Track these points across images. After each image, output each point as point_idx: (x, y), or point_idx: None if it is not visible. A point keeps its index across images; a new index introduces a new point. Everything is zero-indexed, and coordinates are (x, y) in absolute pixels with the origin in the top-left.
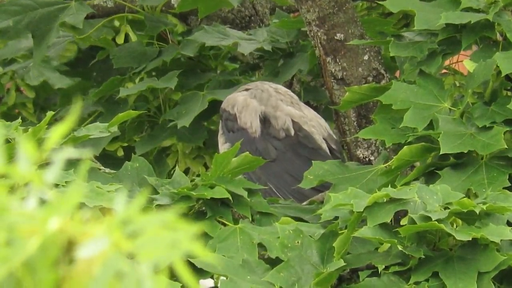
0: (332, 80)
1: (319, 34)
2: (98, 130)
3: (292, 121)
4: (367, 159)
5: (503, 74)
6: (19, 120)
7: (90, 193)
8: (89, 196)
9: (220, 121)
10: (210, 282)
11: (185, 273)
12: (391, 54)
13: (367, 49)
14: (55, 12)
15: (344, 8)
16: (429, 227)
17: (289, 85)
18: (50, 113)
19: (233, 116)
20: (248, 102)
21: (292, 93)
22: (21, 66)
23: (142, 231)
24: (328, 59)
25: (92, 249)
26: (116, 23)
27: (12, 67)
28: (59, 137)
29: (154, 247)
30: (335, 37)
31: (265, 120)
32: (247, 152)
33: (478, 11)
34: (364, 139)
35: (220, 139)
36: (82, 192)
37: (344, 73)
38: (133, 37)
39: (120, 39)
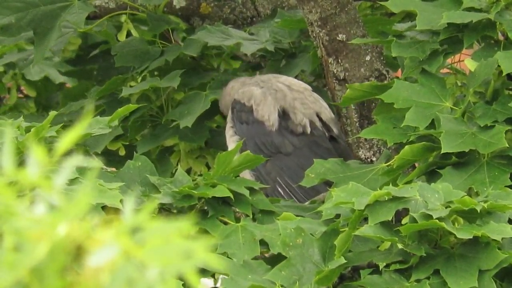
0: (334, 81)
1: (321, 34)
2: (99, 126)
3: (309, 120)
4: (369, 160)
5: (504, 74)
6: (22, 118)
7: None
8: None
9: (230, 114)
10: (210, 282)
11: (195, 282)
12: (393, 55)
13: (369, 49)
14: (57, 10)
15: (346, 9)
16: (430, 226)
17: None
18: (52, 113)
19: (248, 108)
20: (266, 96)
21: (306, 86)
22: (21, 58)
23: (153, 238)
24: (330, 59)
25: (101, 256)
26: (120, 19)
27: (12, 58)
28: (71, 142)
29: (164, 255)
30: (337, 38)
31: (284, 114)
32: (248, 151)
33: (479, 10)
34: (366, 140)
35: (229, 131)
36: (91, 197)
37: (346, 74)
38: (135, 34)
39: (122, 36)
